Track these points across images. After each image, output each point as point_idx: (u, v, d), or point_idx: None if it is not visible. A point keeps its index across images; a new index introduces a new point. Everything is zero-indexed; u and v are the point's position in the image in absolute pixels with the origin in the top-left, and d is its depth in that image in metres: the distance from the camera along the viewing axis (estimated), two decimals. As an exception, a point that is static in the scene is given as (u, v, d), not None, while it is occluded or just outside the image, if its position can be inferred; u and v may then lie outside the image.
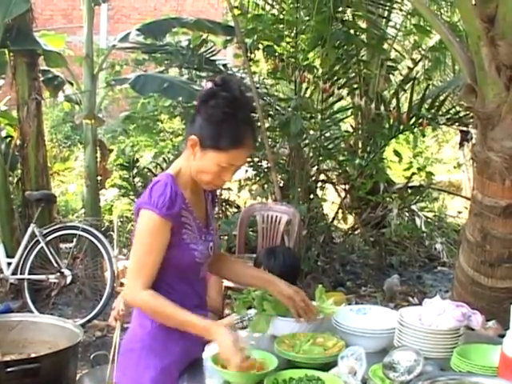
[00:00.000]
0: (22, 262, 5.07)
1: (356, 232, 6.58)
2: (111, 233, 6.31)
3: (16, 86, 5.61)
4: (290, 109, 5.69)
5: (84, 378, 3.43)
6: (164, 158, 6.82)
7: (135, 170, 6.43)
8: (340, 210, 6.39)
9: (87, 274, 5.32)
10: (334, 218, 6.45)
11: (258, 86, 6.05)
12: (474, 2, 3.61)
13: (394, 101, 5.75)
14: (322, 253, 6.12)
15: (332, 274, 5.96)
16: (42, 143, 5.72)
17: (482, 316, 2.37)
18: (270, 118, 6.18)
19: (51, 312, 5.02)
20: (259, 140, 5.71)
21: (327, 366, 2.02)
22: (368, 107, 5.97)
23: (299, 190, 5.84)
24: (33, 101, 5.57)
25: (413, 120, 5.59)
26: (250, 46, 5.73)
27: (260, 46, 5.83)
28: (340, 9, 5.65)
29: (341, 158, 6.36)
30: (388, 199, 6.30)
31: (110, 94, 7.09)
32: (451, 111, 5.89)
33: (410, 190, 6.56)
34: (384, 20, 6.51)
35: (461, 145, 6.10)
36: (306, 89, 5.99)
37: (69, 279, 5.09)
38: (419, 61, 6.78)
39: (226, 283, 4.00)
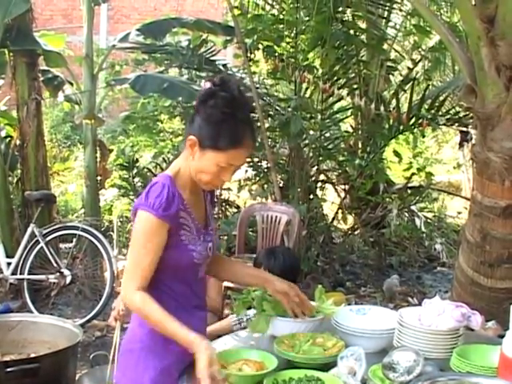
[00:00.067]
0: (21, 262, 5.07)
1: (356, 232, 6.58)
2: (111, 233, 6.31)
3: (16, 85, 5.61)
4: (289, 109, 5.69)
5: (83, 378, 3.43)
6: (164, 158, 6.82)
7: (135, 170, 6.43)
8: (340, 211, 6.39)
9: (87, 274, 5.32)
10: (333, 219, 6.45)
11: (257, 86, 6.05)
12: (473, 3, 3.61)
13: (394, 101, 5.76)
14: (322, 253, 6.12)
15: (332, 275, 5.96)
16: (41, 143, 5.72)
17: (482, 316, 2.37)
18: (269, 118, 6.19)
19: (51, 312, 5.02)
20: (259, 140, 5.72)
21: (327, 367, 2.02)
22: (368, 107, 5.97)
23: (299, 190, 5.84)
24: (32, 101, 5.57)
25: (412, 120, 5.60)
26: (250, 46, 5.73)
27: (260, 46, 5.83)
28: (340, 9, 5.66)
29: (341, 159, 6.36)
30: (388, 199, 6.30)
31: (109, 94, 7.09)
32: (451, 112, 5.90)
33: (409, 191, 6.57)
34: (384, 20, 6.52)
35: (460, 145, 6.11)
36: (306, 89, 5.99)
37: (68, 279, 5.09)
38: (419, 61, 6.79)
39: (226, 283, 4.00)
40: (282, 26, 5.70)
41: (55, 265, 5.07)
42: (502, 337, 1.99)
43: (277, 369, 1.97)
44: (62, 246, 5.83)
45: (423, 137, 7.49)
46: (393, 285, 5.62)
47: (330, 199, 6.83)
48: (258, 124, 5.61)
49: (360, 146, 6.57)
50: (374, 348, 2.17)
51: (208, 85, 1.93)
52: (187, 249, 1.96)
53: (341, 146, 6.43)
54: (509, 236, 3.61)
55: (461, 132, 5.95)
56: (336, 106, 6.38)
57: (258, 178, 6.34)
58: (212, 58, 6.30)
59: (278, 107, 6.08)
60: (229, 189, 6.69)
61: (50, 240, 5.12)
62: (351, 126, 7.01)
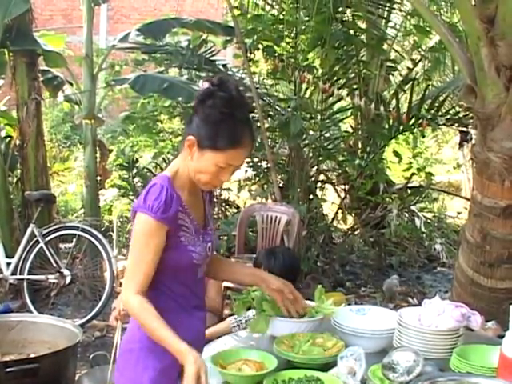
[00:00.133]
0: (21, 262, 5.07)
1: (355, 232, 6.58)
2: (111, 233, 6.31)
3: (16, 86, 5.61)
4: (289, 109, 5.69)
5: (83, 378, 3.42)
6: (163, 159, 6.82)
7: (135, 170, 6.43)
8: (340, 211, 6.39)
9: (86, 274, 5.32)
10: (333, 219, 6.45)
11: (257, 86, 6.05)
12: (473, 3, 3.61)
13: (394, 101, 5.76)
14: (322, 253, 6.12)
15: (331, 275, 5.96)
16: (41, 143, 5.72)
17: (482, 317, 2.37)
18: (269, 119, 6.19)
19: (50, 312, 5.02)
20: (259, 140, 5.72)
21: (327, 367, 2.02)
22: (368, 108, 5.98)
23: (299, 190, 5.84)
24: (32, 101, 5.57)
25: (412, 120, 5.60)
26: (250, 46, 5.73)
27: (260, 46, 5.83)
28: (340, 9, 5.66)
29: (340, 159, 6.36)
30: (387, 200, 6.30)
31: (109, 94, 7.09)
32: (451, 112, 5.90)
33: (409, 191, 6.57)
34: (384, 20, 6.52)
35: (460, 145, 6.11)
36: (306, 89, 5.99)
37: (68, 279, 5.09)
38: (419, 61, 6.79)
39: (226, 283, 4.00)
40: (281, 26, 5.70)
41: (55, 265, 5.07)
42: (501, 337, 1.99)
43: (276, 369, 1.97)
44: (61, 246, 5.84)
45: (423, 137, 7.48)
46: (392, 285, 5.62)
47: (330, 199, 6.83)
48: (258, 124, 5.61)
49: (360, 146, 6.57)
50: (373, 348, 2.17)
51: (206, 85, 1.93)
52: (187, 250, 1.96)
53: (341, 146, 6.43)
54: (509, 236, 3.61)
55: (461, 132, 5.95)
56: (336, 106, 6.38)
57: (257, 178, 6.34)
58: (212, 58, 6.30)
59: (277, 107, 6.08)
60: (229, 189, 6.69)
61: (50, 240, 5.12)
62: (351, 126, 7.01)
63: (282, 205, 5.14)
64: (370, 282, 6.00)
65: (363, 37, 6.07)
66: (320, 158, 6.11)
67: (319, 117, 5.89)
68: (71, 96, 6.42)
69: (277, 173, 5.91)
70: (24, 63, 5.55)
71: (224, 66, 6.39)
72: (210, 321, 3.24)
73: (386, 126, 5.81)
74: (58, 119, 9.44)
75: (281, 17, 5.98)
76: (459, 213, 7.30)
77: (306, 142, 5.94)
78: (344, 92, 6.21)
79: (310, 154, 6.07)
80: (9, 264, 5.11)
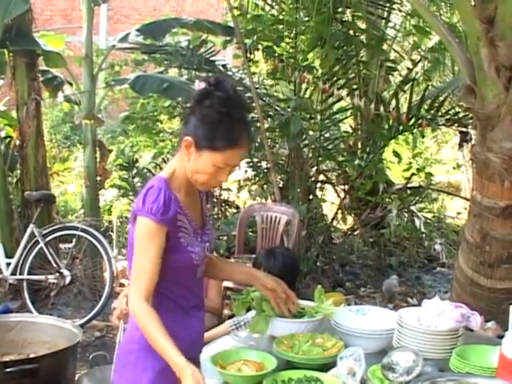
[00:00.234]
0: (21, 262, 5.07)
1: (355, 233, 6.58)
2: (110, 233, 6.32)
3: (15, 86, 5.61)
4: (289, 109, 5.69)
5: (83, 379, 3.42)
6: (163, 159, 6.81)
7: (135, 171, 6.43)
8: (339, 211, 6.39)
9: (86, 274, 5.32)
10: (333, 219, 6.45)
11: (257, 86, 6.05)
12: (473, 3, 3.62)
13: (394, 101, 5.75)
14: (322, 253, 6.12)
15: (331, 275, 5.96)
16: (41, 143, 5.72)
17: (481, 317, 2.37)
18: (269, 119, 6.18)
19: (50, 312, 5.02)
20: (259, 140, 5.72)
21: (326, 367, 2.02)
22: (367, 108, 5.98)
23: (299, 190, 5.84)
24: (32, 101, 5.57)
25: (412, 121, 5.60)
26: (250, 46, 5.73)
27: (259, 46, 5.83)
28: (339, 9, 5.66)
29: (340, 159, 6.37)
30: (387, 200, 6.30)
31: (109, 94, 7.08)
32: (450, 112, 5.90)
33: (409, 191, 6.57)
34: (383, 21, 6.52)
35: (460, 145, 6.10)
36: (306, 89, 5.99)
37: (68, 279, 5.09)
38: (419, 61, 6.79)
39: (225, 284, 4.00)
40: (281, 26, 5.70)
41: (55, 265, 5.07)
42: (501, 337, 1.99)
43: (276, 369, 1.97)
44: (61, 246, 5.83)
45: (423, 137, 7.49)
46: (392, 285, 5.62)
47: (330, 199, 6.83)
48: (258, 124, 5.61)
49: (359, 146, 6.57)
50: (373, 348, 2.17)
51: (203, 85, 1.93)
52: (186, 250, 1.96)
53: (340, 146, 6.43)
54: (508, 236, 3.61)
55: (460, 132, 5.95)
56: (336, 107, 6.38)
57: (257, 179, 6.34)
58: (212, 59, 6.29)
59: (277, 107, 6.08)
60: (228, 189, 6.69)
61: (50, 240, 5.12)
62: (351, 127, 7.01)
63: (281, 205, 5.14)
64: (370, 283, 6.00)
65: (363, 37, 6.07)
66: (320, 159, 6.11)
67: (319, 117, 5.89)
68: (71, 96, 6.41)
69: (276, 173, 5.91)
70: (24, 63, 5.55)
71: (224, 66, 6.39)
72: (210, 321, 3.25)
73: (386, 127, 5.81)
74: (58, 119, 9.44)
75: (281, 17, 5.98)
76: (459, 213, 7.30)
77: (306, 142, 5.94)
78: (344, 92, 6.21)
79: (310, 155, 6.07)
80: (8, 264, 5.11)
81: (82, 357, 4.14)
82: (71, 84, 6.27)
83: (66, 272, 5.08)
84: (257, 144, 5.87)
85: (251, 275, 2.20)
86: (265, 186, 6.23)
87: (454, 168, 9.07)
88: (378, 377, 1.93)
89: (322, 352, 2.10)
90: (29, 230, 5.10)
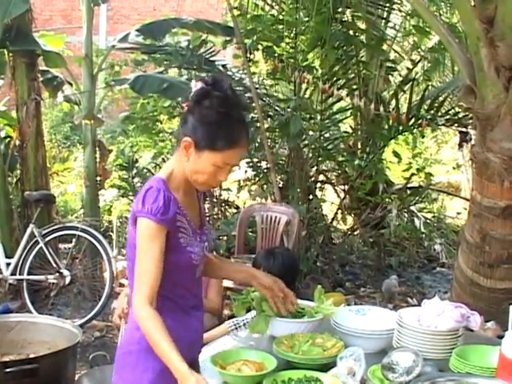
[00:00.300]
0: (21, 262, 5.07)
1: (355, 233, 6.58)
2: (110, 233, 6.31)
3: (15, 86, 5.61)
4: (289, 109, 5.69)
5: (83, 379, 3.42)
6: (163, 159, 6.81)
7: (134, 171, 6.43)
8: (339, 211, 6.39)
9: (86, 274, 5.32)
10: (333, 219, 6.45)
11: (257, 86, 6.05)
12: (473, 3, 3.62)
13: (394, 101, 5.75)
14: (321, 253, 6.12)
15: (331, 275, 5.96)
16: (41, 143, 5.72)
17: (481, 317, 2.37)
18: (269, 119, 6.18)
19: (50, 312, 5.02)
20: (259, 140, 5.72)
21: (326, 367, 2.02)
22: (367, 108, 5.98)
23: (298, 190, 5.84)
24: (32, 101, 5.57)
25: (412, 121, 5.60)
26: (250, 46, 5.73)
27: (259, 46, 5.83)
28: (339, 9, 5.66)
29: (340, 159, 6.36)
30: (387, 200, 6.30)
31: (109, 94, 7.08)
32: (450, 112, 5.90)
33: (409, 191, 6.57)
34: (383, 21, 6.52)
35: (460, 146, 6.10)
36: (306, 89, 5.99)
37: (68, 280, 5.09)
38: (418, 62, 6.79)
39: (226, 284, 4.00)
40: (281, 26, 5.70)
41: (54, 265, 5.07)
42: (501, 337, 1.99)
43: (276, 369, 1.97)
44: (61, 246, 5.83)
45: (423, 137, 7.49)
46: (391, 285, 5.62)
47: (330, 200, 6.83)
48: (258, 124, 5.61)
49: (359, 146, 6.57)
50: (373, 348, 2.17)
51: (199, 85, 1.92)
52: (186, 251, 1.95)
53: (340, 146, 6.43)
54: (508, 236, 3.62)
55: (460, 132, 5.95)
56: (335, 107, 6.38)
57: (257, 179, 6.34)
58: (211, 59, 6.29)
59: (277, 108, 6.08)
60: (228, 189, 6.68)
61: (50, 240, 5.12)
62: (351, 127, 7.01)
63: (281, 205, 5.14)
64: (370, 283, 6.00)
65: (363, 37, 6.07)
66: (320, 159, 6.11)
67: (319, 117, 5.89)
68: (71, 96, 6.41)
69: (276, 173, 5.91)
70: (24, 63, 5.55)
71: (224, 66, 6.39)
72: (210, 322, 3.24)
73: (386, 127, 5.81)
74: (58, 119, 9.44)
75: (280, 17, 5.97)
76: (459, 213, 7.30)
77: (306, 142, 5.94)
78: (344, 92, 6.21)
79: (310, 155, 6.07)
80: (8, 264, 5.11)
81: (81, 357, 4.14)
82: (71, 84, 6.27)
83: (65, 272, 5.08)
84: (257, 144, 5.88)
85: (249, 274, 2.20)
86: (265, 186, 6.23)
87: (453, 168, 9.07)
88: (377, 377, 1.93)
89: (321, 352, 2.10)
90: (29, 230, 5.10)
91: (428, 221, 6.70)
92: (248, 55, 5.76)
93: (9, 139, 5.95)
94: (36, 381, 3.28)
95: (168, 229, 1.90)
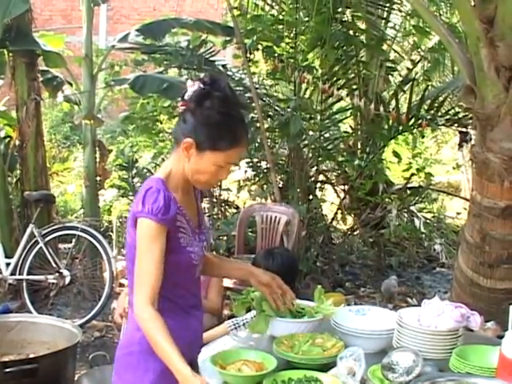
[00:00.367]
0: (20, 262, 5.07)
1: (355, 233, 6.58)
2: (110, 233, 6.31)
3: (15, 86, 5.61)
4: (289, 109, 5.69)
5: (82, 379, 3.42)
6: (163, 159, 6.81)
7: (134, 171, 6.43)
8: (339, 211, 6.39)
9: (86, 274, 5.32)
10: (333, 219, 6.45)
11: (257, 86, 6.05)
12: (473, 3, 3.62)
13: (394, 102, 5.75)
14: (321, 253, 6.12)
15: (331, 275, 5.95)
16: (41, 143, 5.72)
17: (481, 317, 2.37)
18: (269, 119, 6.18)
19: (50, 312, 5.02)
20: (258, 140, 5.72)
21: (326, 367, 2.02)
22: (367, 108, 5.98)
23: (298, 190, 5.84)
24: (32, 101, 5.57)
25: (412, 121, 5.60)
26: (250, 46, 5.73)
27: (259, 46, 5.83)
28: (339, 10, 5.65)
29: (340, 159, 6.36)
30: (387, 200, 6.30)
31: (109, 94, 7.08)
32: (450, 112, 5.90)
33: (409, 191, 6.57)
34: (383, 21, 6.52)
35: (460, 146, 6.10)
36: (306, 89, 5.99)
37: (67, 280, 5.09)
38: (418, 62, 6.79)
39: (226, 284, 4.00)
40: (281, 26, 5.70)
41: (54, 265, 5.07)
42: (501, 337, 1.99)
43: (276, 369, 1.97)
44: (61, 246, 5.83)
45: (422, 137, 7.49)
46: (391, 285, 5.62)
47: (330, 200, 6.83)
48: (258, 124, 5.61)
49: (359, 146, 6.57)
50: (373, 348, 2.17)
51: (196, 84, 1.92)
52: (186, 251, 1.95)
53: (340, 146, 6.43)
54: (508, 236, 3.61)
55: (460, 132, 5.95)
56: (335, 107, 6.38)
57: (257, 179, 6.34)
58: (211, 59, 6.29)
59: (277, 108, 6.08)
60: (228, 189, 6.69)
61: (49, 240, 5.12)
62: (350, 127, 7.01)
63: (281, 205, 5.14)
64: (370, 283, 6.00)
65: (363, 37, 6.07)
66: (320, 159, 6.11)
67: (319, 117, 5.89)
68: (71, 96, 6.41)
69: (276, 173, 5.91)
70: (23, 63, 5.55)
71: (224, 66, 6.39)
72: (210, 321, 3.24)
73: (386, 127, 5.81)
74: (58, 119, 9.44)
75: (280, 17, 5.97)
76: (458, 213, 7.30)
77: (306, 142, 5.94)
78: (344, 92, 6.21)
79: (310, 155, 6.07)
80: (8, 264, 5.11)
81: (81, 357, 4.14)
82: (71, 84, 6.27)
83: (65, 272, 5.08)
84: (257, 144, 5.88)
85: (247, 271, 2.21)
86: (265, 186, 6.23)
87: (453, 168, 9.07)
88: (377, 377, 1.93)
89: (321, 352, 2.10)
90: (28, 230, 5.10)
91: (428, 221, 6.70)
92: (248, 55, 5.76)
93: (9, 139, 5.95)
94: (36, 381, 3.27)
95: (168, 229, 1.89)
